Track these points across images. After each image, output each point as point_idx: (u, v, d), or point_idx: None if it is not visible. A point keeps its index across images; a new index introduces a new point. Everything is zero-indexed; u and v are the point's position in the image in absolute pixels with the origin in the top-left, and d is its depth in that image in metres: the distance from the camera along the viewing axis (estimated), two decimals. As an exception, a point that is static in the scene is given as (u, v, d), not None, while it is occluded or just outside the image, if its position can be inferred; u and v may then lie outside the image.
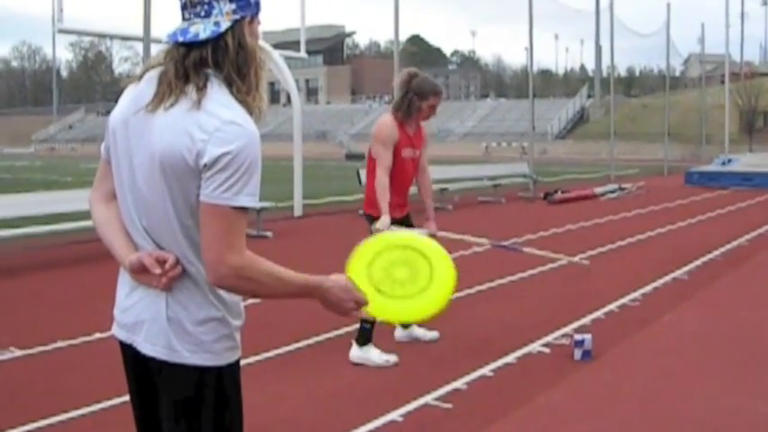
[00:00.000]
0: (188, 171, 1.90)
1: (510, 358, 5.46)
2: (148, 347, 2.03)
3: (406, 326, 5.87)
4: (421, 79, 5.56)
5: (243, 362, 2.13)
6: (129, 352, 2.11)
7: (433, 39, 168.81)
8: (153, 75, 2.02)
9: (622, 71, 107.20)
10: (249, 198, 1.91)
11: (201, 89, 1.93)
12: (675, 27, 35.45)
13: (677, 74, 70.53)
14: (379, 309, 2.23)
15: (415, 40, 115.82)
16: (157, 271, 1.95)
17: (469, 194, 18.21)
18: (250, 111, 1.97)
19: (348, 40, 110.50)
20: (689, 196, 19.88)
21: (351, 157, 49.71)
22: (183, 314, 2.00)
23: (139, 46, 9.94)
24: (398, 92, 5.58)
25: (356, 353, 5.39)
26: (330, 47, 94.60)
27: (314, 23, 66.72)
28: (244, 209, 1.91)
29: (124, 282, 2.11)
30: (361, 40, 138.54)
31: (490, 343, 5.87)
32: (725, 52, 43.27)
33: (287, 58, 16.25)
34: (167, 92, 1.95)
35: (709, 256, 10.00)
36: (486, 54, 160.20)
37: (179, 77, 1.96)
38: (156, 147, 1.92)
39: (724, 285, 8.29)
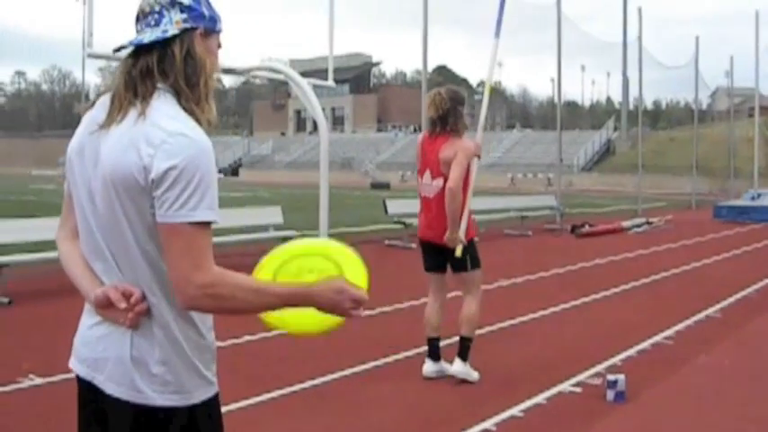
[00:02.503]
0: (138, 188, 1.82)
1: (540, 398, 5.27)
2: (113, 387, 1.91)
3: (436, 359, 5.69)
4: (454, 90, 5.75)
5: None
6: (86, 388, 1.98)
7: (460, 69, 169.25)
8: (105, 99, 1.97)
9: (648, 104, 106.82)
10: (208, 212, 1.82)
11: (146, 99, 1.88)
12: (702, 59, 35.18)
13: (704, 107, 70.05)
14: (278, 319, 2.04)
15: (442, 70, 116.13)
16: (123, 305, 1.86)
17: (495, 226, 17.99)
18: (199, 121, 1.92)
19: (375, 70, 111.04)
20: (719, 231, 19.58)
21: (376, 185, 49.69)
22: (148, 353, 1.89)
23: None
24: (442, 111, 5.59)
25: (461, 368, 5.54)
26: (357, 75, 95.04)
27: (341, 53, 67.19)
28: (204, 223, 1.82)
29: (89, 314, 2.01)
30: (388, 69, 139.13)
31: (519, 382, 5.69)
32: (754, 85, 42.80)
33: (314, 87, 16.20)
34: (118, 106, 1.90)
35: (743, 293, 9.76)
36: (511, 85, 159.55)
37: (128, 89, 1.91)
38: (105, 165, 1.86)
39: (760, 324, 8.05)
